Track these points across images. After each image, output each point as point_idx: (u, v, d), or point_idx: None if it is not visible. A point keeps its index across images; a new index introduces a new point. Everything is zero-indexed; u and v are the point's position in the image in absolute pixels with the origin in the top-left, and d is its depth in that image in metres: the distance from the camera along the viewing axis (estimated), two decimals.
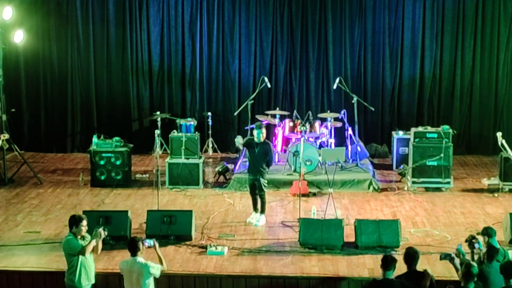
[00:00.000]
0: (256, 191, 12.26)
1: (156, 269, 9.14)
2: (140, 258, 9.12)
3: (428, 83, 16.89)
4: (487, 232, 9.62)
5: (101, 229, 9.32)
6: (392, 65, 16.90)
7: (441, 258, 9.28)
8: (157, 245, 9.31)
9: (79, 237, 9.35)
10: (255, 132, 12.08)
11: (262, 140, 12.06)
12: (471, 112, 17.00)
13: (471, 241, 9.48)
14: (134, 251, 9.14)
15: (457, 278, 9.74)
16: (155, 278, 9.25)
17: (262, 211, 12.32)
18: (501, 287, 8.78)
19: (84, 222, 9.43)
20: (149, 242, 9.27)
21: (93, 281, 9.52)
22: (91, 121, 17.23)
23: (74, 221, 9.42)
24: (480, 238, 9.57)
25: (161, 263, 9.29)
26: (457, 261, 9.07)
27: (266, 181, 12.28)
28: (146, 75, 17.11)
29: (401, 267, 9.01)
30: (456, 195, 13.94)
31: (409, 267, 9.02)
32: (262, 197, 12.25)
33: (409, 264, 9.01)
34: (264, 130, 12.09)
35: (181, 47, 16.97)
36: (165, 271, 9.39)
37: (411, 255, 9.04)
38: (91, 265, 9.43)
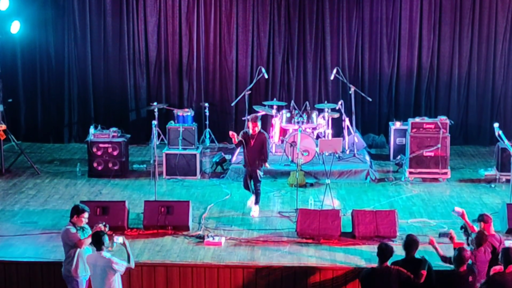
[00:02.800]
0: (251, 182, 12.23)
1: (120, 266, 9.03)
2: (105, 253, 9.04)
3: (426, 74, 16.88)
4: (483, 218, 9.67)
5: (101, 225, 9.28)
6: (389, 56, 16.89)
7: (439, 236, 9.42)
8: (126, 242, 9.22)
9: (78, 227, 9.34)
10: (250, 124, 12.05)
11: (257, 132, 12.03)
12: (469, 103, 17.01)
13: (466, 227, 9.54)
14: (98, 245, 9.06)
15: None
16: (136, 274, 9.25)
17: (257, 202, 12.31)
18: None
19: (86, 214, 9.47)
20: (118, 239, 9.18)
21: (90, 272, 9.53)
22: (88, 112, 17.21)
23: (76, 211, 9.44)
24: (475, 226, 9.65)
25: (129, 260, 9.20)
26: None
27: (262, 173, 12.26)
28: (143, 65, 17.08)
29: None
30: (453, 185, 13.96)
31: (407, 254, 9.08)
32: (257, 188, 12.24)
33: (408, 251, 9.08)
34: (259, 123, 12.05)
35: (178, 37, 16.93)
36: (132, 269, 9.33)
37: (412, 243, 9.10)
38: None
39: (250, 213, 12.25)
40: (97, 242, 9.08)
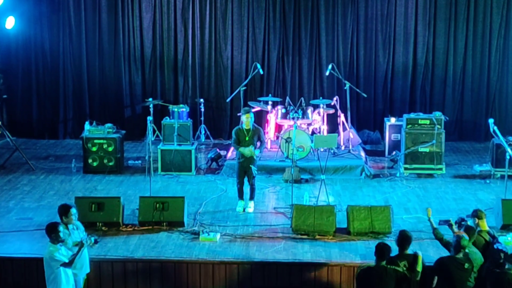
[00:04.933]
0: (245, 178, 12.22)
1: (55, 262, 8.75)
2: (49, 247, 8.81)
3: (421, 70, 16.90)
4: (477, 214, 9.71)
5: (93, 239, 8.93)
6: (384, 52, 16.90)
7: (439, 224, 9.48)
8: (82, 246, 8.86)
9: (70, 226, 9.24)
10: (243, 117, 12.04)
11: (250, 125, 12.02)
12: (463, 99, 17.02)
13: (460, 223, 9.58)
14: (48, 235, 8.84)
15: None
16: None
17: (252, 198, 12.31)
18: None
19: (73, 211, 9.27)
20: (91, 239, 8.93)
21: (87, 270, 9.50)
22: (83, 108, 17.19)
23: (63, 211, 9.28)
24: (469, 221, 9.66)
25: (70, 259, 8.85)
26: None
27: (256, 168, 12.25)
28: (138, 62, 17.06)
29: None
30: (448, 181, 13.99)
31: (401, 250, 9.10)
32: (252, 184, 12.24)
33: (401, 246, 9.09)
34: (251, 115, 12.04)
35: (174, 33, 16.92)
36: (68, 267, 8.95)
37: (405, 238, 9.12)
38: (84, 255, 9.38)
39: (245, 209, 12.26)
40: (48, 231, 8.83)
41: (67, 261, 8.83)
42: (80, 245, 8.90)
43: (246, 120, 12.01)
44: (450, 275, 8.91)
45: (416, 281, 8.92)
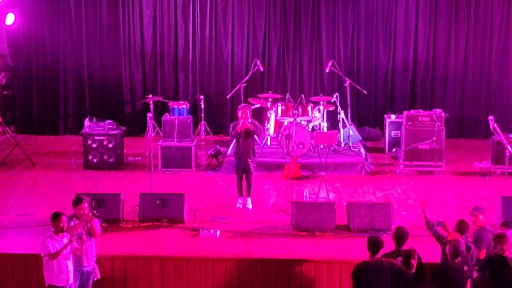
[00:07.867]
0: (243, 174, 12.21)
1: (43, 249, 8.82)
2: (48, 236, 8.89)
3: (421, 67, 16.89)
4: (482, 210, 9.73)
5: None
6: (385, 48, 16.88)
7: (435, 225, 9.50)
8: (69, 243, 8.87)
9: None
10: (248, 113, 12.03)
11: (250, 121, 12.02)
12: (464, 96, 17.02)
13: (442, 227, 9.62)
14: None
15: None
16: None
17: (249, 194, 12.29)
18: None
19: (84, 205, 9.32)
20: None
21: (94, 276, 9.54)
22: (84, 104, 17.18)
23: (73, 203, 9.39)
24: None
25: (55, 251, 8.85)
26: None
27: (253, 165, 12.24)
28: (139, 58, 17.06)
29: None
30: (448, 178, 13.98)
31: (397, 246, 9.11)
32: (249, 180, 12.23)
33: (398, 243, 9.11)
34: (248, 112, 12.03)
35: (174, 29, 16.91)
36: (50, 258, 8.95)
37: (401, 235, 9.13)
38: (91, 249, 9.39)
39: (240, 207, 12.26)
40: (51, 219, 8.91)
41: (52, 252, 8.83)
42: (69, 241, 8.89)
43: (248, 117, 12.00)
44: (449, 283, 8.90)
45: (411, 273, 8.92)
